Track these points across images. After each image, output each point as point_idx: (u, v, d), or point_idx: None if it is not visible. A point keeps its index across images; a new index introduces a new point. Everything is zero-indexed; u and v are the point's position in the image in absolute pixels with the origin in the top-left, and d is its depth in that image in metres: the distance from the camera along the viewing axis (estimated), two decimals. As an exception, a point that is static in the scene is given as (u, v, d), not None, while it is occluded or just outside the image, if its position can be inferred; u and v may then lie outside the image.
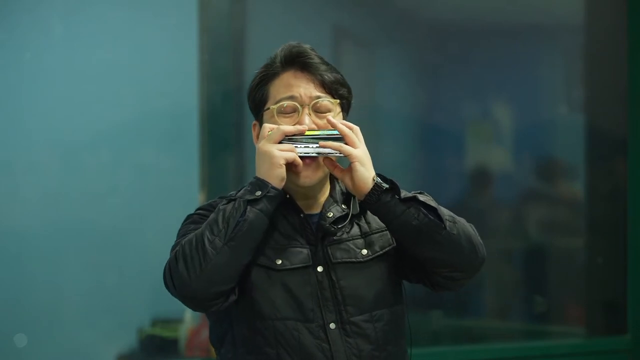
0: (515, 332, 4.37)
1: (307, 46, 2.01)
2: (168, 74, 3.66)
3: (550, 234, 4.42)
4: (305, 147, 1.91)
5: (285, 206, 1.95)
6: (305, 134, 1.92)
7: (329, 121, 1.93)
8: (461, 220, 1.95)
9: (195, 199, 3.67)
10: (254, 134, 2.03)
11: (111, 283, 3.54)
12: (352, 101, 2.04)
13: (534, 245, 4.38)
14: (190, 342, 3.64)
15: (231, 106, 3.79)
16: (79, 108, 3.54)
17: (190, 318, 3.65)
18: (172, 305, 3.65)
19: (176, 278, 1.85)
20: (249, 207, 1.85)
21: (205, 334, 3.61)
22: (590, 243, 4.35)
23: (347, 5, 4.17)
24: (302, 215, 1.97)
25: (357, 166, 1.90)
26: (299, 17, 4.00)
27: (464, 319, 4.21)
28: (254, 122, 2.03)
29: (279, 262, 1.93)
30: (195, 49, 3.69)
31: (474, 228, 1.97)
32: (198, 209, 2.03)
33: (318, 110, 1.96)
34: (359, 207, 2.01)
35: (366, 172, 1.90)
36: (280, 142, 1.90)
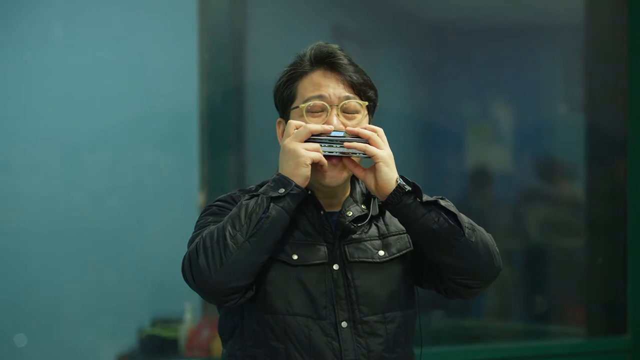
0: (515, 332, 4.37)
1: (336, 46, 2.01)
2: (168, 74, 3.66)
3: (550, 234, 4.42)
4: (329, 146, 1.91)
5: (306, 202, 1.95)
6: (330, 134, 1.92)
7: (349, 131, 1.93)
8: (480, 229, 1.95)
9: (195, 199, 3.67)
10: (279, 131, 2.04)
11: (111, 283, 3.54)
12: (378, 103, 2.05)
13: (534, 245, 4.38)
14: (190, 342, 3.64)
15: (231, 106, 3.79)
16: (79, 108, 3.55)
17: (190, 318, 3.65)
18: (172, 305, 3.67)
19: (196, 271, 1.85)
20: (272, 204, 1.85)
21: (205, 334, 3.61)
22: (590, 243, 4.35)
23: (347, 5, 4.17)
24: (322, 212, 1.98)
25: (382, 166, 1.90)
26: (299, 17, 4.00)
27: (464, 319, 4.21)
28: (279, 119, 2.04)
29: (295, 257, 1.93)
30: (195, 49, 3.69)
31: (492, 238, 1.97)
32: (217, 200, 2.02)
33: (346, 111, 1.97)
34: (378, 209, 2.02)
35: (390, 173, 1.91)
36: (305, 141, 1.90)
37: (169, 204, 3.63)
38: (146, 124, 3.64)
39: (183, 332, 3.65)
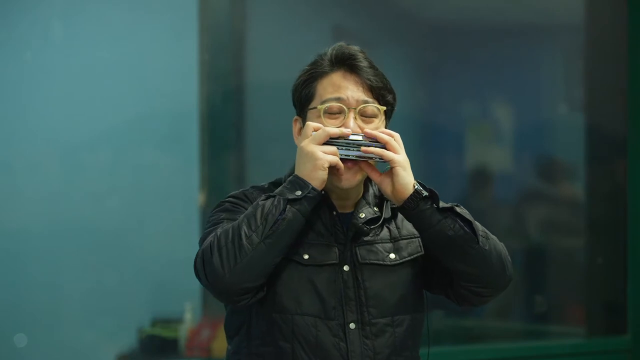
0: (515, 332, 4.37)
1: (357, 48, 2.01)
2: (168, 74, 3.66)
3: (550, 234, 4.42)
4: (346, 149, 1.91)
5: (319, 203, 1.94)
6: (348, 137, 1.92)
7: (367, 134, 1.92)
8: (494, 237, 1.95)
9: (195, 199, 3.67)
10: (295, 129, 2.03)
11: (111, 283, 3.54)
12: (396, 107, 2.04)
13: (534, 245, 4.38)
14: (190, 342, 3.64)
15: (231, 106, 3.79)
16: (79, 108, 3.55)
17: (190, 318, 3.65)
18: (172, 305, 3.67)
19: (209, 270, 1.85)
20: (288, 206, 1.85)
21: (205, 334, 3.61)
22: (590, 243, 4.35)
23: (347, 5, 4.17)
24: (334, 213, 1.97)
25: (400, 171, 1.90)
26: (299, 17, 4.00)
27: (465, 319, 4.21)
28: (295, 117, 2.03)
29: (307, 257, 1.93)
30: (195, 49, 3.69)
31: (504, 247, 1.97)
32: (229, 196, 2.02)
33: (364, 115, 1.96)
34: (391, 211, 2.02)
35: (407, 178, 1.91)
36: (322, 144, 1.90)
37: (169, 204, 3.63)
38: (146, 124, 3.64)
39: (183, 332, 3.65)
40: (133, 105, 3.62)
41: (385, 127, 2.00)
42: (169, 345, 3.64)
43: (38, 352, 3.43)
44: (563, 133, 4.43)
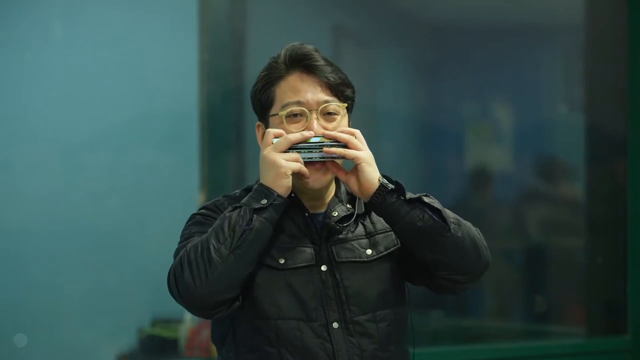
0: (515, 332, 4.37)
1: (311, 47, 2.00)
2: (168, 74, 3.66)
3: (550, 234, 4.42)
4: (309, 152, 1.91)
5: (290, 205, 1.94)
6: (309, 140, 1.92)
7: (326, 136, 1.92)
8: (467, 223, 1.94)
9: (195, 199, 3.67)
10: (259, 134, 2.02)
11: (111, 283, 3.54)
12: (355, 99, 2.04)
13: (534, 245, 4.38)
14: (190, 342, 3.64)
15: (231, 106, 3.80)
16: (79, 108, 3.54)
17: (190, 318, 3.65)
18: (172, 305, 3.64)
19: (181, 285, 1.85)
20: (255, 216, 1.85)
21: (205, 333, 3.61)
22: (590, 243, 4.35)
23: (347, 5, 4.18)
24: (306, 214, 1.97)
25: (364, 167, 1.90)
26: (299, 17, 4.00)
27: (464, 319, 4.21)
28: (258, 122, 2.02)
29: (282, 261, 1.93)
30: (195, 49, 3.69)
31: (479, 232, 1.96)
32: (201, 208, 2.02)
33: (326, 113, 1.96)
34: (364, 207, 2.01)
35: (373, 173, 1.91)
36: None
37: (169, 204, 3.63)
38: (146, 124, 3.64)
39: (183, 332, 3.65)
40: (133, 105, 3.62)
41: (349, 121, 2.00)
42: (169, 345, 3.64)
43: (38, 352, 3.43)
44: (563, 133, 4.43)
